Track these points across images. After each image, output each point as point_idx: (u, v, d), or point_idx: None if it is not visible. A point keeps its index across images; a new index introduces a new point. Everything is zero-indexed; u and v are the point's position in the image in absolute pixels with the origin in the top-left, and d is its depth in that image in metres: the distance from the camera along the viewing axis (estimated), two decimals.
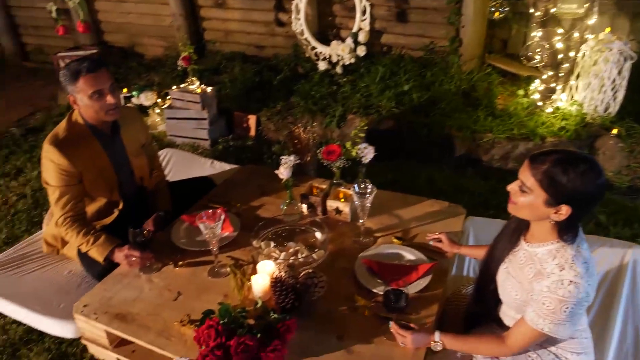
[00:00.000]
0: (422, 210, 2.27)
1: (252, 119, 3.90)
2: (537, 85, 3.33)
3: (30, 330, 2.20)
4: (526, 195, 1.36)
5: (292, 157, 2.20)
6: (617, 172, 3.05)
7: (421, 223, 2.19)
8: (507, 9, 3.44)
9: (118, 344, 1.83)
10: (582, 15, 3.01)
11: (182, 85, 3.87)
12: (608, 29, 3.15)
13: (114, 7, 5.46)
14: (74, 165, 2.04)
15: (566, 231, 1.37)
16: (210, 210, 1.85)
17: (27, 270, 2.27)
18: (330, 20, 4.50)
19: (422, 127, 3.41)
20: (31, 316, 2.00)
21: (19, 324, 2.20)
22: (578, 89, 3.22)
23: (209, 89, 3.82)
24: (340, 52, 4.16)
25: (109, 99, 2.03)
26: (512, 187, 1.41)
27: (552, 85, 3.25)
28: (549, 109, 3.29)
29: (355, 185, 1.97)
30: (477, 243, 2.29)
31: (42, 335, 2.17)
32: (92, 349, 1.95)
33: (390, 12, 4.17)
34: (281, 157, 2.20)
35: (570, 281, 1.30)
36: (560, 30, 3.13)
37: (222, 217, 1.85)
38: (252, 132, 3.93)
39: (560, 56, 3.21)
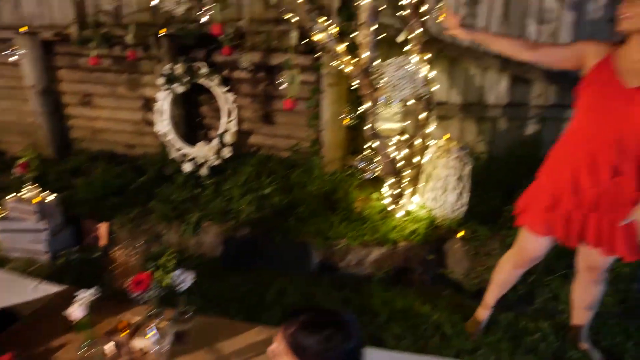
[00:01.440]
0: (245, 341, 2.08)
1: (102, 227, 3.58)
2: (386, 189, 3.38)
3: None
4: (281, 359, 1.22)
5: (89, 292, 1.95)
6: (465, 275, 3.08)
7: (241, 358, 1.98)
8: (357, 114, 3.56)
9: None
10: (398, 131, 3.18)
11: (19, 194, 3.52)
12: (447, 136, 3.33)
13: None
14: None
15: None
16: None
17: None
18: (199, 121, 4.43)
19: (277, 233, 3.30)
20: None
21: None
22: (426, 193, 3.30)
23: (50, 197, 3.50)
24: (205, 153, 4.07)
25: None
26: (271, 350, 1.27)
27: (397, 191, 3.32)
28: (401, 213, 3.33)
29: (149, 330, 1.74)
30: None
31: None
32: None
33: (256, 114, 4.19)
34: (75, 294, 1.93)
35: None
36: (394, 140, 3.27)
37: None
38: (103, 242, 3.59)
39: (401, 163, 3.32)
